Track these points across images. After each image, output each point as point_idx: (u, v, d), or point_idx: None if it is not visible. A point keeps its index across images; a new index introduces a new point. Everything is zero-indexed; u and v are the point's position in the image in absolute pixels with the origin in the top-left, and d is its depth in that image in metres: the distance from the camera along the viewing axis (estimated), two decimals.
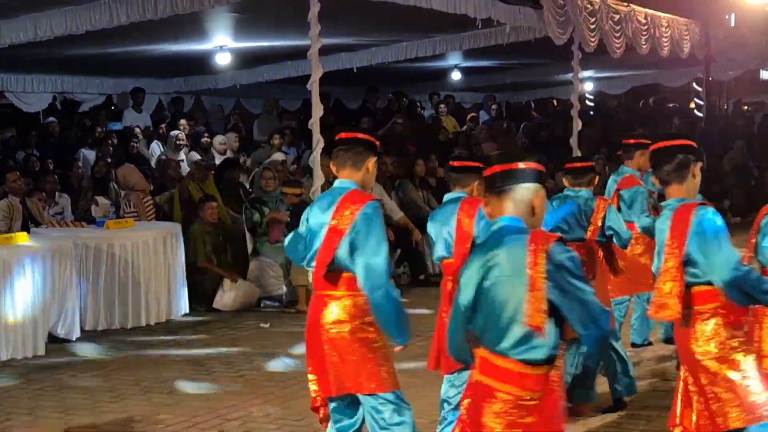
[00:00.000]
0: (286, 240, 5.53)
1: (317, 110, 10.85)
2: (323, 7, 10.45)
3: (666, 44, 16.82)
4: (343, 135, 5.18)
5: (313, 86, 10.80)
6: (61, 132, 15.58)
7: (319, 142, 10.87)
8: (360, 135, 5.18)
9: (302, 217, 5.30)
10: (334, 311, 4.96)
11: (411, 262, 12.73)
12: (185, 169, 14.13)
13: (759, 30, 21.01)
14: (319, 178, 10.95)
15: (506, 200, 3.78)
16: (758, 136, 21.74)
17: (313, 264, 5.06)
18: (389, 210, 12.25)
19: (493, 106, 21.31)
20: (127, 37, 12.72)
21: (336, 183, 5.13)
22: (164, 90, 18.53)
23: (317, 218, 5.10)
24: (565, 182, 7.17)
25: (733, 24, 21.17)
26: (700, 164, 4.77)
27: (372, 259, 4.81)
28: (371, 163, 5.09)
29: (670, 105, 26.30)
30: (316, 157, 11.02)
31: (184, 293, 11.17)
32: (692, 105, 25.75)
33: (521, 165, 3.80)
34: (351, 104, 20.41)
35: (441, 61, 18.74)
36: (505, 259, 3.66)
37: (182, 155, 14.98)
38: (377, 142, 5.22)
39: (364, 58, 16.56)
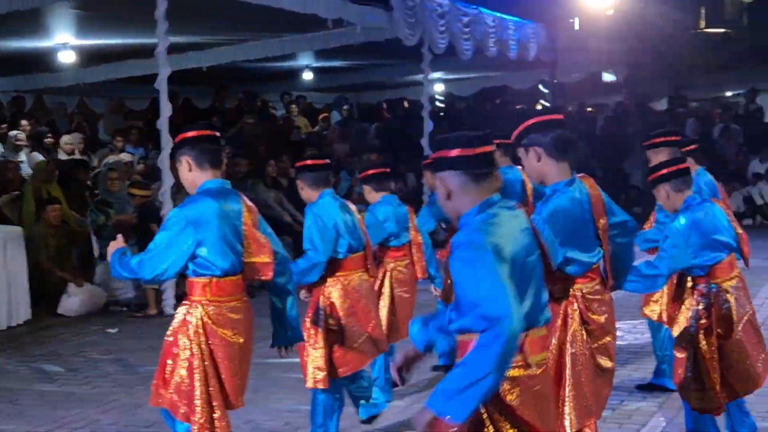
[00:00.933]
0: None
1: (165, 110, 10.68)
2: (171, 5, 10.27)
3: (513, 47, 17.18)
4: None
5: (161, 85, 10.62)
6: None
7: (167, 143, 10.65)
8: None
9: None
10: None
11: None
12: (27, 170, 13.62)
13: (601, 34, 21.67)
14: (168, 179, 10.74)
15: None
16: (601, 138, 22.41)
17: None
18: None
19: (345, 107, 21.33)
20: None
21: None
22: (3, 88, 17.88)
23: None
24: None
25: (577, 28, 21.75)
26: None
27: None
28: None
29: (518, 107, 26.85)
30: (164, 158, 10.80)
31: (26, 299, 10.76)
32: (539, 107, 26.35)
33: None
34: (200, 104, 20.11)
35: (292, 60, 18.68)
36: None
37: (23, 156, 14.42)
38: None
39: (213, 57, 16.37)
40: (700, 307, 5.48)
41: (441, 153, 3.72)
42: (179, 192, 11.79)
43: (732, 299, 5.48)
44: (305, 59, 19.22)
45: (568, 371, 4.55)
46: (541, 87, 24.85)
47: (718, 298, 5.47)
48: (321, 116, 20.19)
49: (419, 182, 15.97)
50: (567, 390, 4.52)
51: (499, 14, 16.80)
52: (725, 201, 7.32)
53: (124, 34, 14.00)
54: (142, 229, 10.89)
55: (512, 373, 3.50)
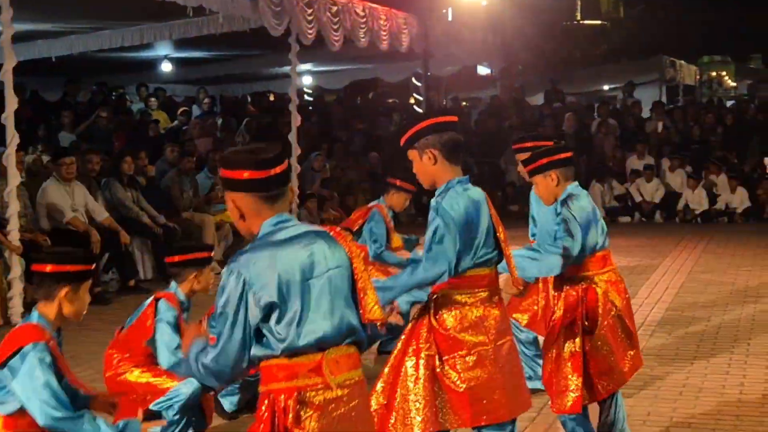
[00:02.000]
0: None
1: (11, 103, 10.44)
2: None
3: (385, 38, 17.31)
4: None
5: (6, 76, 10.39)
6: None
7: (13, 138, 10.44)
8: None
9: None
10: None
11: (120, 267, 12.45)
12: None
13: (475, 25, 22.05)
14: (14, 178, 10.52)
15: None
16: (476, 133, 22.78)
17: None
18: (92, 211, 11.95)
19: (206, 100, 21.18)
20: None
21: None
22: None
23: None
24: None
25: (450, 19, 22.06)
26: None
27: None
28: None
29: (390, 100, 27.11)
30: (10, 155, 10.57)
31: None
32: (412, 100, 26.67)
33: None
34: (50, 96, 19.69)
35: (150, 51, 18.48)
36: None
37: None
38: None
39: (64, 46, 16.10)
40: (569, 301, 5.66)
41: (232, 173, 3.71)
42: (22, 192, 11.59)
43: (600, 293, 5.67)
44: (164, 49, 19.05)
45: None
46: (413, 80, 25.14)
47: (587, 292, 5.66)
48: (180, 110, 20.01)
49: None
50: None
51: (370, 3, 16.93)
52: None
53: None
54: None
55: (308, 396, 3.58)
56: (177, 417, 5.74)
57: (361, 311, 3.77)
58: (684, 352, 8.61)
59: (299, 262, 3.63)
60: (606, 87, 29.40)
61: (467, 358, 4.78)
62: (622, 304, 5.82)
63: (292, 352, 3.59)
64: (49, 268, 4.68)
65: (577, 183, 5.84)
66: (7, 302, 10.61)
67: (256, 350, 3.62)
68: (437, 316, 4.83)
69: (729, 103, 28.06)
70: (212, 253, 6.47)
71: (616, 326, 5.72)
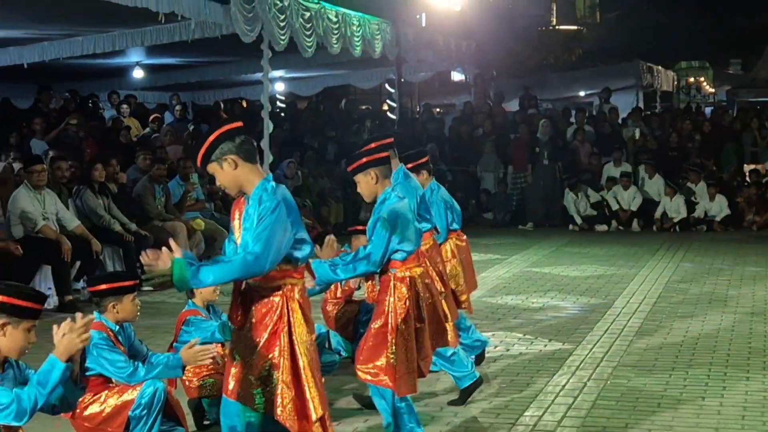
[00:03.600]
0: None
1: None
2: None
3: (358, 44, 17.37)
4: None
5: None
6: None
7: None
8: None
9: None
10: None
11: (91, 275, 12.39)
12: None
13: (448, 31, 22.11)
14: None
15: None
16: (449, 139, 22.84)
17: None
18: (63, 219, 11.92)
19: (177, 107, 21.15)
20: None
21: None
22: None
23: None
24: None
25: (424, 24, 22.12)
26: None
27: None
28: None
29: (363, 107, 27.16)
30: None
31: None
32: (385, 107, 26.72)
33: None
34: (21, 103, 19.60)
35: (121, 57, 18.46)
36: None
37: None
38: None
39: (35, 52, 16.10)
40: (403, 292, 6.20)
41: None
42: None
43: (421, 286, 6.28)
44: (135, 56, 19.03)
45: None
46: (387, 86, 25.18)
47: (414, 285, 6.23)
48: (152, 117, 19.97)
49: None
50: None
51: (342, 9, 16.97)
52: None
53: None
54: None
55: None
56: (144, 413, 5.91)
57: None
58: (662, 363, 8.64)
59: None
60: (582, 93, 29.51)
61: None
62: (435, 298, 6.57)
63: None
64: None
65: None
66: None
67: None
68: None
69: (707, 110, 28.17)
70: (135, 282, 6.42)
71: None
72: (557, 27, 32.07)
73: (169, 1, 12.71)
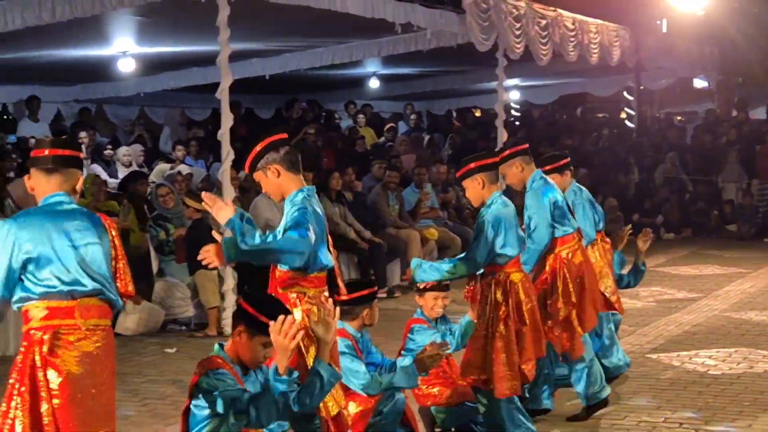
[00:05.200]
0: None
1: (227, 120, 10.92)
2: (233, 11, 10.55)
3: (595, 51, 17.25)
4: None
5: (223, 94, 10.87)
6: None
7: (228, 154, 10.95)
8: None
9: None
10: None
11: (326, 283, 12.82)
12: None
13: (691, 36, 21.62)
14: (228, 193, 11.02)
15: None
16: (691, 148, 22.29)
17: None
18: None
19: (412, 116, 21.59)
20: (22, 42, 12.69)
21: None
22: (63, 98, 18.45)
23: None
24: None
25: (664, 30, 21.72)
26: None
27: None
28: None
29: (600, 115, 26.85)
30: (225, 171, 11.10)
31: None
32: (623, 115, 26.34)
33: None
34: (263, 114, 20.50)
35: (358, 68, 18.96)
36: None
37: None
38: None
39: (276, 64, 16.68)
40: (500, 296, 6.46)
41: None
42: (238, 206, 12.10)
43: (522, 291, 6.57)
44: (372, 66, 19.50)
45: None
46: (625, 94, 24.81)
47: (514, 289, 6.53)
48: (387, 126, 20.47)
49: None
50: None
51: (580, 16, 16.90)
52: None
53: (185, 42, 14.38)
54: (193, 246, 11.12)
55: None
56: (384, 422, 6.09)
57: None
58: None
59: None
60: None
61: None
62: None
63: None
64: (243, 306, 5.00)
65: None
66: (221, 313, 11.14)
67: None
68: None
69: None
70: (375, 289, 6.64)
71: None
72: None
73: (406, 12, 13.02)
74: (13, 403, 4.71)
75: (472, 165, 6.64)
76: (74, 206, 4.92)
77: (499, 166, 6.96)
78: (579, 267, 7.27)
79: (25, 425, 4.67)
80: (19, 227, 4.80)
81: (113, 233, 5.07)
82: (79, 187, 5.00)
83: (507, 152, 7.30)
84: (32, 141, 15.45)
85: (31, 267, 4.76)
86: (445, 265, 6.58)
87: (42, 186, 4.91)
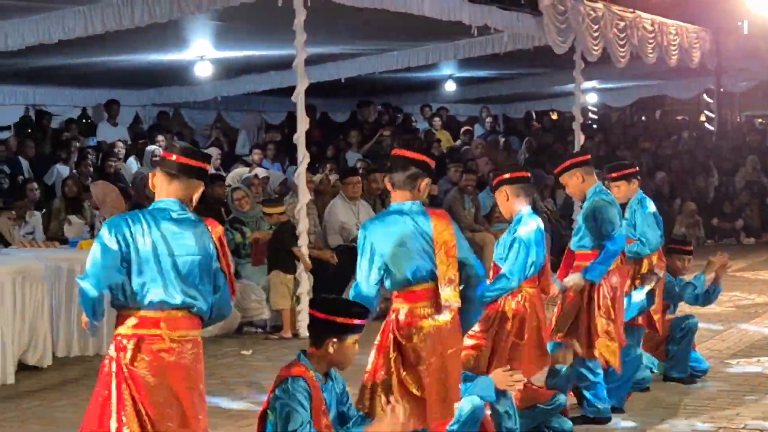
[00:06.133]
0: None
1: (302, 123, 10.99)
2: (310, 15, 10.61)
3: (674, 53, 17.07)
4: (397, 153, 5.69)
5: (299, 98, 10.94)
6: (35, 147, 15.56)
7: (304, 157, 11.02)
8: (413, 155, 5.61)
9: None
10: None
11: None
12: None
13: None
14: (304, 195, 11.09)
15: None
16: None
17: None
18: None
19: (488, 119, 21.52)
20: (102, 47, 12.90)
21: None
22: (141, 102, 18.70)
23: None
24: None
25: (746, 32, 21.42)
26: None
27: None
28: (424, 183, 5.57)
29: (679, 118, 26.55)
30: (300, 174, 11.18)
31: None
32: (702, 118, 26.01)
33: None
34: (338, 117, 20.59)
35: (434, 71, 18.95)
36: None
37: None
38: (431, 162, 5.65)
39: (352, 68, 16.75)
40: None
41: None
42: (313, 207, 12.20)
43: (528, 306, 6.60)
44: (448, 69, 19.48)
45: None
46: (705, 96, 24.50)
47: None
48: (463, 129, 20.43)
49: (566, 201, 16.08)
50: None
51: (659, 18, 16.74)
52: None
53: (262, 46, 14.50)
54: (276, 248, 11.25)
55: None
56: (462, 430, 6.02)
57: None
58: None
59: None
60: None
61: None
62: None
63: None
64: (321, 315, 5.05)
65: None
66: (296, 316, 11.22)
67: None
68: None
69: None
70: None
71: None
72: None
73: (482, 14, 13.00)
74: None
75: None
76: (184, 215, 4.82)
77: (559, 177, 7.37)
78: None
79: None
80: (126, 224, 4.74)
81: (219, 240, 4.94)
82: (196, 198, 4.92)
83: (568, 162, 7.40)
84: (119, 144, 15.72)
85: (133, 269, 4.73)
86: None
87: (161, 188, 4.85)
